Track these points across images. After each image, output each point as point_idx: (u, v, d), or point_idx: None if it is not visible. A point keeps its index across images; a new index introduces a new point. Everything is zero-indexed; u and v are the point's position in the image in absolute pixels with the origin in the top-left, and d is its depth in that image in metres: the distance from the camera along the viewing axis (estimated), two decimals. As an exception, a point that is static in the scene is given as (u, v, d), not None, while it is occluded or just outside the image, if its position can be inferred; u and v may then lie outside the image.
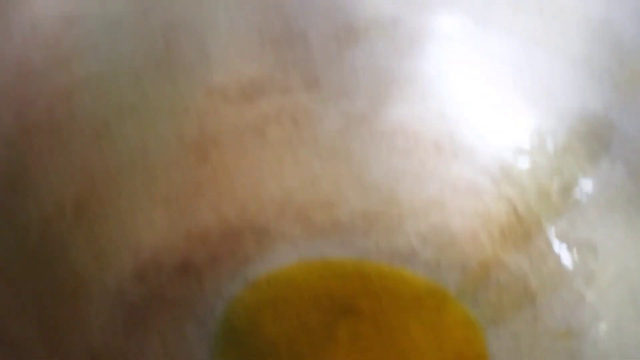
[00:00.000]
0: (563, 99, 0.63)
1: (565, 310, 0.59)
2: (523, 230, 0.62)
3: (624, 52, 0.61)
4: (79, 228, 0.56)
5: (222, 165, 0.64)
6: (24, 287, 0.52)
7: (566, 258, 0.60)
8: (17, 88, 0.55)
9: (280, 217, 0.64)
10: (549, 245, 0.61)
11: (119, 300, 0.56)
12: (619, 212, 0.59)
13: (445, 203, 0.65)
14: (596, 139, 0.61)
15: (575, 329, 0.58)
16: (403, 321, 0.59)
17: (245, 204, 0.64)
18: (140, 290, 0.57)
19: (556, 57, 0.63)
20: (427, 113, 0.66)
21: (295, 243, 0.63)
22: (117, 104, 0.60)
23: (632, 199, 0.59)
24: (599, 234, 0.60)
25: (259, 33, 0.65)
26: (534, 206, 0.62)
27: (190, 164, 0.63)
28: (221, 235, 0.62)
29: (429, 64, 0.66)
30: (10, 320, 0.50)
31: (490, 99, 0.65)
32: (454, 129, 0.66)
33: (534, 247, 0.62)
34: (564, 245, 0.61)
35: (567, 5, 0.62)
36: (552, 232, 0.62)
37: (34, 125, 0.55)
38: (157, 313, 0.57)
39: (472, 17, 0.65)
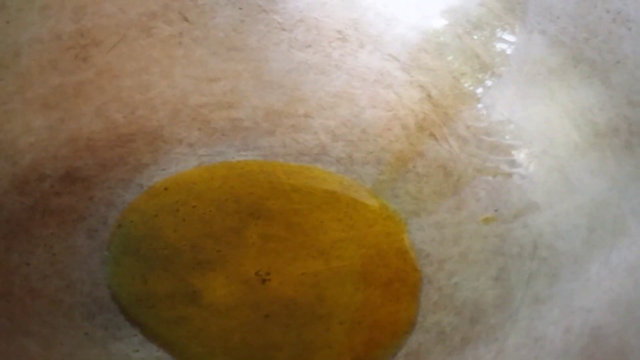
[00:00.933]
0: (473, -28, 0.59)
1: (491, 194, 0.55)
2: (439, 117, 0.58)
3: None
4: (-55, 135, 0.50)
5: (105, 67, 0.58)
6: None
7: (488, 140, 0.56)
8: None
9: (175, 121, 0.59)
10: (468, 129, 0.57)
11: (-3, 212, 0.50)
12: (540, 87, 0.56)
13: (354, 96, 0.60)
14: (510, 10, 0.57)
15: (503, 212, 0.54)
16: (317, 220, 0.55)
17: (135, 108, 0.58)
18: (21, 201, 0.51)
19: None
20: (328, 0, 0.61)
21: (194, 147, 0.58)
22: (-20, -1, 0.54)
23: (553, 71, 0.55)
24: (520, 111, 0.56)
25: None
26: (448, 91, 0.58)
27: (70, 65, 0.57)
28: (109, 142, 0.56)
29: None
30: None
31: (396, -21, 0.61)
32: (359, 16, 0.61)
33: (452, 133, 0.57)
34: (484, 128, 0.57)
35: None
36: (470, 116, 0.57)
37: None
38: (41, 225, 0.51)
39: None
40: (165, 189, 0.55)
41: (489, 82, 0.57)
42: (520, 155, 0.55)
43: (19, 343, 0.44)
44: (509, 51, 0.57)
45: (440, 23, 0.60)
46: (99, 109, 0.57)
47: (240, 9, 0.61)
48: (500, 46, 0.57)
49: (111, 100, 0.57)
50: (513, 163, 0.55)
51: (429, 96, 0.58)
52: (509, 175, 0.55)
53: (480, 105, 0.57)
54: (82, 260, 0.51)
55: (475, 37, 0.58)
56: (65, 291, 0.48)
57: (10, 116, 0.53)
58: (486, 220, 0.54)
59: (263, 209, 0.55)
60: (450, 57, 0.59)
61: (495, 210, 0.54)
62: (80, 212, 0.53)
